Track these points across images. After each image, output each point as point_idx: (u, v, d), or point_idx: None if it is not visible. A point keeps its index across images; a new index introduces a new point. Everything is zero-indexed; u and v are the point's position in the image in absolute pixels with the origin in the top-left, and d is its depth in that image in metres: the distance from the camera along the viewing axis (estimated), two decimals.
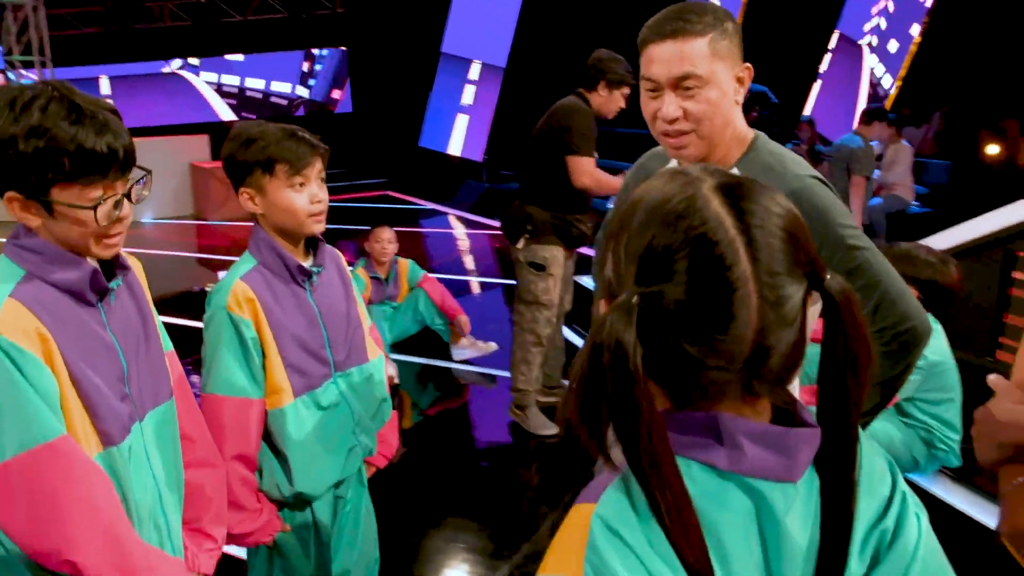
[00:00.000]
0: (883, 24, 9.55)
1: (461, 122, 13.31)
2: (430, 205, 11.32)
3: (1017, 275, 3.82)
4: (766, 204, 0.73)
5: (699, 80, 1.47)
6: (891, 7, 9.54)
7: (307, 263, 1.85)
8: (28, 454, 1.20)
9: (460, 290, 6.30)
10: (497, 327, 5.45)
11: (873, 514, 0.81)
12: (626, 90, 3.78)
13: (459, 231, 9.79)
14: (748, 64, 1.55)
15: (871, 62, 9.66)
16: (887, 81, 9.53)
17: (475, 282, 7.11)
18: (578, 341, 5.20)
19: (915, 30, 9.25)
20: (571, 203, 3.79)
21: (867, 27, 9.70)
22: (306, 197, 1.76)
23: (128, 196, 1.31)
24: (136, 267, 1.50)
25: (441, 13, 12.68)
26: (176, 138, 10.90)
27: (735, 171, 1.56)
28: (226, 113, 14.55)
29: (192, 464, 1.59)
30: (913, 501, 0.85)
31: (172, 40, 13.98)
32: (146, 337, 1.47)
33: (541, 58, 12.03)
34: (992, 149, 9.13)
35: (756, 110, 6.49)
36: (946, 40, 9.30)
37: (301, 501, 1.88)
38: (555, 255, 3.81)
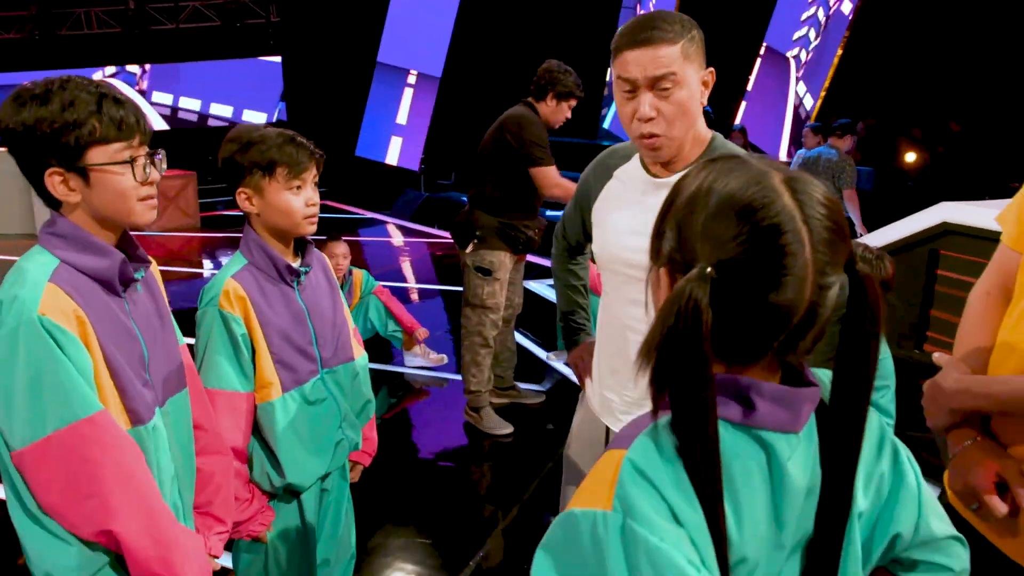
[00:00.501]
0: (811, 36, 9.95)
1: (398, 132, 13.33)
2: (369, 214, 11.33)
3: (941, 272, 4.07)
4: (818, 198, 0.84)
5: (674, 80, 1.59)
6: (821, 17, 9.94)
7: (295, 263, 1.93)
8: (70, 428, 1.28)
9: (402, 298, 6.36)
10: (442, 335, 5.55)
11: (869, 458, 0.95)
12: (573, 102, 3.87)
13: (398, 240, 9.82)
14: (711, 68, 1.68)
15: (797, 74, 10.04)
16: (804, 90, 9.93)
17: (416, 290, 7.17)
18: (528, 344, 5.32)
19: (838, 43, 9.67)
20: (518, 209, 3.88)
21: (795, 37, 10.09)
22: (302, 199, 1.84)
23: (152, 162, 1.42)
24: (152, 264, 1.57)
25: (377, 23, 12.70)
26: None
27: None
28: (158, 123, 14.23)
29: (203, 451, 1.67)
30: (905, 451, 0.99)
31: (100, 47, 13.64)
32: (163, 328, 1.55)
33: (476, 68, 12.16)
34: (909, 157, 9.59)
35: None
36: (867, 53, 9.76)
37: (290, 492, 1.95)
38: (501, 260, 3.90)
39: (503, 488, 3.58)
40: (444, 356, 5.09)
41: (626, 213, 1.82)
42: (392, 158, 13.44)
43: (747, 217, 0.81)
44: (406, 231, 10.18)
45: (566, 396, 4.59)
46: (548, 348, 5.26)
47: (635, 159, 1.85)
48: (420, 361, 5.05)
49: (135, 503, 1.34)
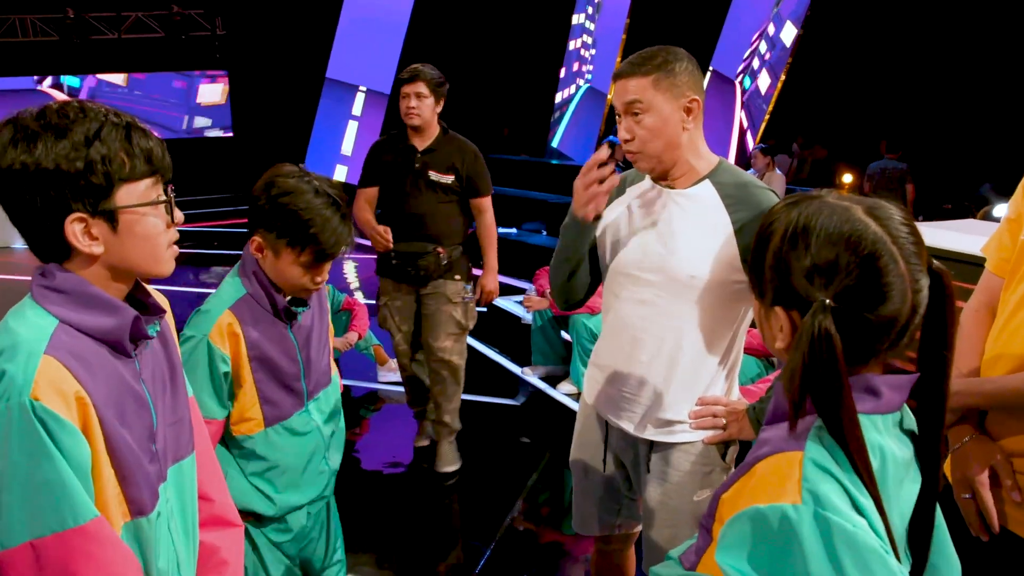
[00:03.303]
0: (755, 63, 10.32)
1: (346, 147, 13.26)
2: None
3: None
4: (898, 218, 0.98)
5: (641, 107, 1.81)
6: (763, 50, 10.31)
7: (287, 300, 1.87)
8: (56, 537, 1.09)
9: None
10: None
11: None
12: (404, 88, 3.48)
13: (348, 255, 9.74)
14: (695, 96, 1.82)
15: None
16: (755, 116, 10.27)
17: (368, 307, 7.15)
18: (500, 360, 5.38)
19: (781, 69, 10.04)
20: (395, 236, 3.57)
21: (740, 66, 10.45)
22: (310, 278, 1.78)
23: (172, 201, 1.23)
24: (165, 305, 1.38)
25: (326, 38, 12.66)
26: None
27: (707, 183, 1.85)
28: None
29: (207, 524, 1.46)
30: None
31: (36, 56, 13.27)
32: (173, 385, 1.36)
33: None
34: (847, 178, 9.99)
35: None
36: (807, 80, 10.16)
37: (274, 517, 1.91)
38: (382, 287, 3.78)
39: (490, 503, 3.63)
40: None
41: (642, 222, 1.95)
42: (340, 174, 13.37)
43: (848, 250, 0.95)
44: (358, 247, 10.13)
45: (540, 410, 4.67)
46: (521, 363, 5.34)
47: (647, 178, 1.98)
48: (393, 376, 5.04)
49: None
